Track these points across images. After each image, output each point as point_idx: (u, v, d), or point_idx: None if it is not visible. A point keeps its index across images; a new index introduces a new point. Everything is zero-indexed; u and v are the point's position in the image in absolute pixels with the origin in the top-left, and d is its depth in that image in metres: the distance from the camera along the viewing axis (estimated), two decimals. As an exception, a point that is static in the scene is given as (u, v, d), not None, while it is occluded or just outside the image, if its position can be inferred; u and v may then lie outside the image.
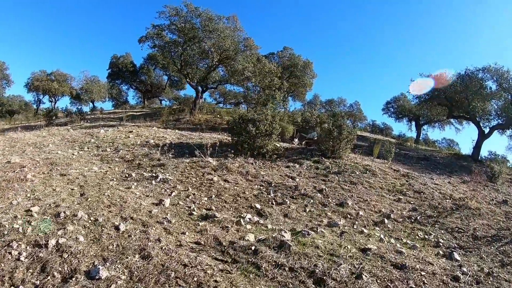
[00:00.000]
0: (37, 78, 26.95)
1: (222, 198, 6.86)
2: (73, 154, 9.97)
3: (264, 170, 8.95)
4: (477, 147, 17.02)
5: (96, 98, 37.85)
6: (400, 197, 7.92)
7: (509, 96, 16.42)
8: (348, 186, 8.21)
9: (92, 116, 22.62)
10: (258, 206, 6.48)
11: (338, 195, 7.55)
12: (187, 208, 6.15)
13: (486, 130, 17.42)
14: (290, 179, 8.43)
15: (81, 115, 17.94)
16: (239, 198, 6.89)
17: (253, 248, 4.30)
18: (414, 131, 27.06)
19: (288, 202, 6.84)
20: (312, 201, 7.04)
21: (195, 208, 6.13)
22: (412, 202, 7.68)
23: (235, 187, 7.53)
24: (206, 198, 6.81)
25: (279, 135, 15.22)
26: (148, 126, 16.51)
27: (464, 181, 10.67)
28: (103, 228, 4.74)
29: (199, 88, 20.17)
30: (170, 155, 9.84)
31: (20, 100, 32.51)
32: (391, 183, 8.97)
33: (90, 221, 4.98)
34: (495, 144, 40.80)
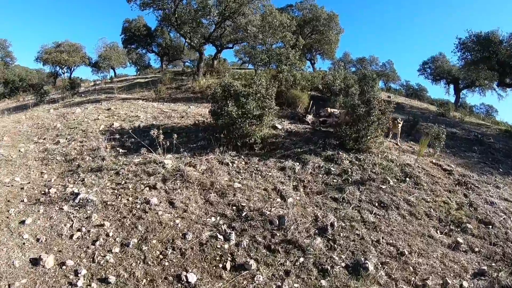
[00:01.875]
0: (46, 51, 25.22)
1: (143, 249, 3.98)
2: (19, 150, 7.85)
3: (242, 178, 5.83)
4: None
5: (116, 64, 36.26)
6: (459, 238, 4.47)
7: None
8: (374, 215, 4.88)
9: (94, 88, 20.55)
10: (192, 278, 3.50)
11: (353, 240, 4.29)
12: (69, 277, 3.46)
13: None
14: (279, 199, 5.22)
15: (72, 90, 15.65)
16: (169, 252, 3.95)
17: None
18: (452, 95, 24.41)
19: (254, 266, 3.77)
20: (302, 260, 3.87)
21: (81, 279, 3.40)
22: (477, 250, 4.37)
23: (177, 221, 4.62)
24: (118, 249, 3.99)
25: (290, 107, 11.63)
26: (138, 98, 13.89)
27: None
28: None
29: (204, 48, 16.67)
30: (121, 151, 7.11)
31: (42, 73, 31.67)
32: (443, 202, 5.49)
33: None
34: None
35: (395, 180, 5.99)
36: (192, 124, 8.29)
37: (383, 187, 5.65)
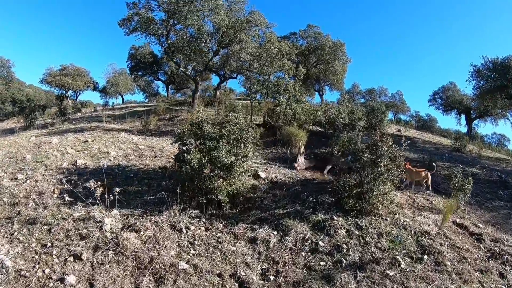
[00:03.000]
0: (51, 73, 25.46)
1: None
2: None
3: (195, 253, 4.55)
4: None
5: (123, 91, 36.62)
6: None
7: None
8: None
9: (90, 114, 20.11)
10: None
11: None
12: None
13: None
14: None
15: (63, 116, 15.11)
16: None
17: None
18: (464, 126, 24.00)
19: None
20: None
21: None
22: None
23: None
24: None
25: (285, 146, 10.47)
26: (123, 129, 13.14)
27: None
28: None
29: (198, 78, 16.02)
30: (67, 198, 6.09)
31: (50, 94, 31.97)
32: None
33: None
34: None
35: (409, 259, 4.54)
36: (160, 168, 7.17)
37: (391, 274, 4.21)
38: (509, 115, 21.51)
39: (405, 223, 5.47)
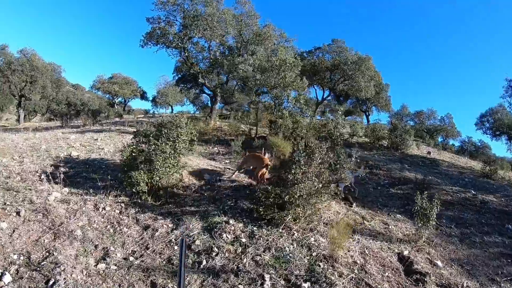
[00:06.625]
0: (100, 81, 30.27)
1: None
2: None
3: (88, 230, 5.70)
4: None
5: (172, 101, 40.67)
6: None
7: None
8: None
9: (123, 120, 23.32)
10: None
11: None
12: None
13: None
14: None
15: (94, 118, 18.33)
16: None
17: None
18: None
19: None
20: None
21: None
22: None
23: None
24: None
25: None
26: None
27: None
28: None
29: (218, 91, 17.75)
30: (39, 179, 7.88)
31: (103, 100, 37.59)
32: None
33: None
34: None
35: (283, 281, 4.36)
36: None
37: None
38: None
39: (313, 243, 5.34)
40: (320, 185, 5.85)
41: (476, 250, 6.04)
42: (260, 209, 5.82)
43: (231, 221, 5.91)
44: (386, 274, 4.83)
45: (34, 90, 22.38)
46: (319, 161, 5.88)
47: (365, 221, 6.72)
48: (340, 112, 13.85)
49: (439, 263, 5.31)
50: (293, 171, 5.72)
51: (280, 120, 13.53)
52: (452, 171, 13.57)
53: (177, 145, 6.85)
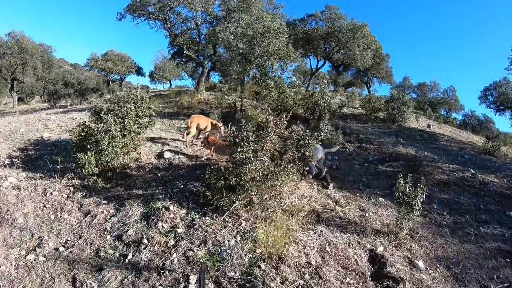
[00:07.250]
0: (93, 58, 29.59)
1: None
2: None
3: (31, 216, 5.69)
4: None
5: (169, 76, 40.02)
6: None
7: None
8: None
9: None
10: None
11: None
12: None
13: None
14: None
15: (81, 97, 17.93)
16: None
17: None
18: None
19: None
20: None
21: None
22: None
23: None
24: None
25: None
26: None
27: None
28: None
29: (205, 62, 17.02)
30: (3, 163, 7.71)
31: (100, 77, 37.02)
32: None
33: None
34: None
35: (213, 285, 3.80)
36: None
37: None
38: None
39: (261, 236, 4.47)
40: (279, 166, 5.20)
41: (469, 246, 5.13)
42: (208, 193, 5.19)
43: (172, 208, 5.43)
44: (347, 280, 4.04)
45: (26, 72, 22.09)
46: (274, 136, 5.26)
47: (337, 207, 5.87)
48: (325, 81, 13.02)
49: (420, 263, 4.45)
50: (240, 149, 5.06)
51: (265, 91, 12.82)
52: (452, 146, 12.85)
53: (126, 122, 6.39)
